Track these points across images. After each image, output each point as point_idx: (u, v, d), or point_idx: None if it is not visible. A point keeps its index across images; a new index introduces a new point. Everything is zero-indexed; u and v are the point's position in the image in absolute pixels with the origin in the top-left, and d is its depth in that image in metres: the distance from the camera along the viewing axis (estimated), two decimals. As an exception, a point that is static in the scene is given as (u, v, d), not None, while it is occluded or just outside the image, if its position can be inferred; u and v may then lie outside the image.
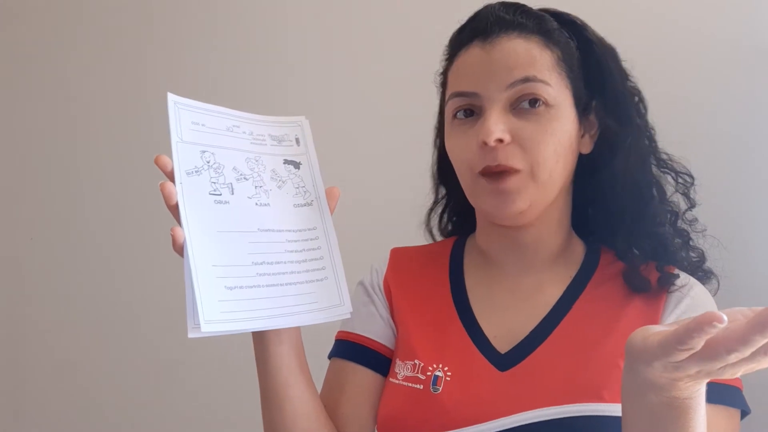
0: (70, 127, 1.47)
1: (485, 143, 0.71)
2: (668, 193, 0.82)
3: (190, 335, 0.63)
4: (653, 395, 0.54)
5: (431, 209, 0.94)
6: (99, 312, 1.43)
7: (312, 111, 1.27)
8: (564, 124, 0.73)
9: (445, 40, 0.82)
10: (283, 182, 0.74)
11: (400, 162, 1.16)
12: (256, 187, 0.72)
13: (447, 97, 0.78)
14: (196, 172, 0.68)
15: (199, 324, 0.63)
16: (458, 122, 0.76)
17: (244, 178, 0.71)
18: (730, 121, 1.07)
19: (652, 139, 0.81)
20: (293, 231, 0.72)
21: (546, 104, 0.72)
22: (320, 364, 0.85)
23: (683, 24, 1.09)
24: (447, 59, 0.81)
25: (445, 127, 0.80)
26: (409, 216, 0.99)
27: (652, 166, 0.80)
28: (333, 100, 1.28)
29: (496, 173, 0.72)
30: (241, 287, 0.67)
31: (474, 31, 0.76)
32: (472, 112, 0.75)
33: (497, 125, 0.71)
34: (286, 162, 0.75)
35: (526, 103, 0.72)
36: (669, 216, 0.81)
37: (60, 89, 1.48)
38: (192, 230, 0.66)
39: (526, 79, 0.72)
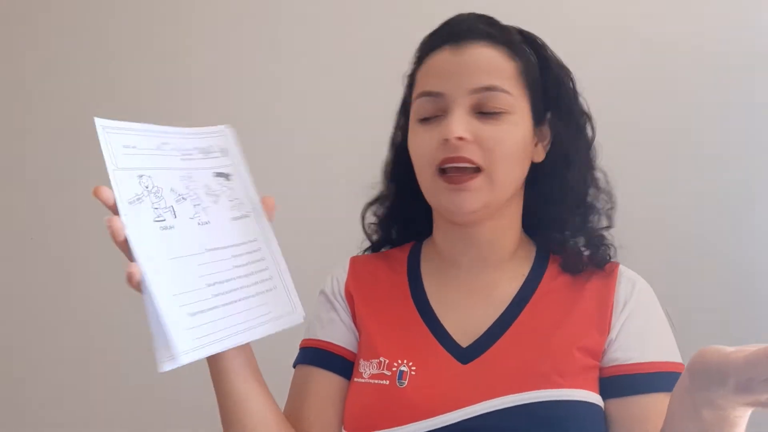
0: (71, 126, 1.48)
1: (447, 140, 0.75)
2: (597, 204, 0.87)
3: (163, 369, 0.63)
4: (708, 412, 0.55)
5: (371, 203, 0.95)
6: (99, 312, 1.44)
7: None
8: (520, 132, 0.78)
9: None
10: (218, 197, 0.72)
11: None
12: (194, 206, 0.70)
13: (414, 96, 0.81)
14: (138, 200, 0.66)
15: (173, 356, 0.63)
16: (423, 122, 0.80)
17: (183, 199, 0.69)
18: (730, 121, 1.08)
19: (594, 158, 0.86)
20: (236, 245, 0.71)
21: (505, 112, 0.76)
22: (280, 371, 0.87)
23: (685, 25, 1.10)
24: (416, 62, 0.85)
25: (409, 127, 0.83)
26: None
27: (592, 181, 0.86)
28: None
29: (455, 175, 0.76)
30: (202, 311, 0.66)
31: (445, 37, 0.80)
32: (437, 116, 0.79)
33: (459, 124, 0.75)
34: (217, 174, 0.72)
35: (488, 110, 0.76)
36: (592, 219, 0.87)
37: (60, 88, 1.49)
38: (146, 263, 0.64)
39: (489, 88, 0.76)
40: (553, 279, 0.82)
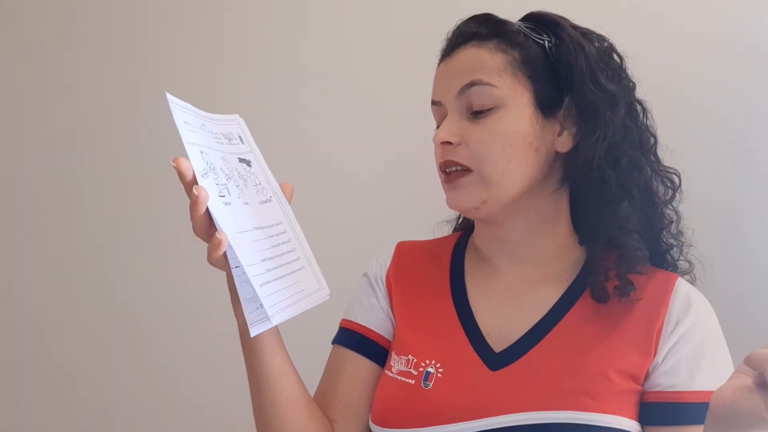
0: (70, 126, 1.48)
1: (438, 146, 0.78)
2: (661, 203, 0.81)
3: (255, 333, 0.68)
4: None
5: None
6: (99, 312, 1.44)
7: (321, 109, 1.29)
8: (515, 124, 0.75)
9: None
10: (246, 181, 0.73)
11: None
12: (236, 186, 0.71)
13: None
14: (205, 174, 0.66)
15: (267, 317, 0.66)
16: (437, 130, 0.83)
17: (229, 178, 0.70)
18: (730, 121, 1.07)
19: (637, 143, 0.79)
20: (269, 227, 0.72)
21: (495, 107, 0.75)
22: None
23: (685, 25, 1.09)
24: None
25: None
26: (417, 209, 1.02)
27: (635, 170, 0.77)
28: (332, 97, 1.30)
29: (450, 172, 0.78)
30: (265, 283, 0.68)
31: (444, 51, 0.83)
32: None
33: (445, 130, 0.77)
34: (240, 160, 0.74)
35: (477, 109, 0.76)
36: (648, 225, 0.79)
37: (60, 89, 1.49)
38: (230, 233, 0.65)
39: (472, 83, 0.76)
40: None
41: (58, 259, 1.47)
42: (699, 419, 0.64)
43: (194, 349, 1.36)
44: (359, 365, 0.83)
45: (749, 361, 0.52)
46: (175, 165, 0.63)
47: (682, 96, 1.09)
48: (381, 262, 0.90)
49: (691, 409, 0.69)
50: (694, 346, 0.72)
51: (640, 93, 0.84)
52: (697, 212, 1.07)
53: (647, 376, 0.72)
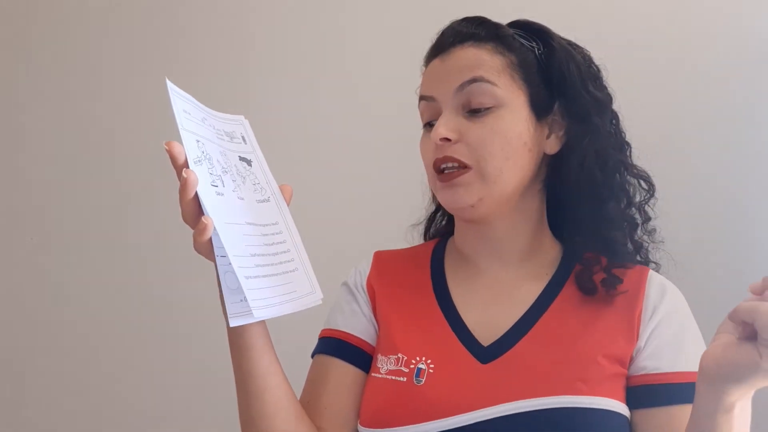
0: (69, 126, 1.48)
1: (435, 142, 0.78)
2: (636, 203, 0.85)
3: (234, 324, 0.67)
4: (735, 403, 0.58)
5: (434, 213, 0.98)
6: (98, 312, 1.44)
7: (304, 111, 1.30)
8: (513, 124, 0.78)
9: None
10: (244, 179, 0.73)
11: (389, 167, 1.20)
12: (233, 181, 0.70)
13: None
14: (199, 161, 0.65)
15: (249, 310, 0.65)
16: (426, 127, 0.83)
17: (225, 171, 0.70)
18: (729, 121, 1.07)
19: (619, 148, 0.84)
20: (264, 225, 0.72)
21: (494, 106, 0.77)
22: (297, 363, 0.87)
23: (684, 25, 1.10)
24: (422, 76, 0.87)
25: None
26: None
27: (617, 173, 0.83)
28: (324, 100, 1.30)
29: (448, 172, 0.78)
30: (251, 277, 0.67)
31: (436, 48, 0.83)
32: (434, 120, 0.81)
33: (443, 126, 0.77)
34: (241, 159, 0.74)
35: (475, 107, 0.77)
36: (626, 223, 0.84)
37: (60, 89, 1.49)
38: (216, 220, 0.65)
39: (473, 80, 0.77)
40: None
41: (58, 259, 1.47)
42: (687, 398, 0.66)
43: (195, 348, 1.36)
44: (344, 372, 0.83)
45: (735, 315, 0.56)
46: (167, 148, 0.63)
47: (681, 96, 1.09)
48: (360, 270, 0.90)
49: (678, 389, 0.72)
50: (673, 330, 0.76)
51: (640, 92, 0.85)
52: (696, 212, 1.08)
53: (632, 360, 0.75)
